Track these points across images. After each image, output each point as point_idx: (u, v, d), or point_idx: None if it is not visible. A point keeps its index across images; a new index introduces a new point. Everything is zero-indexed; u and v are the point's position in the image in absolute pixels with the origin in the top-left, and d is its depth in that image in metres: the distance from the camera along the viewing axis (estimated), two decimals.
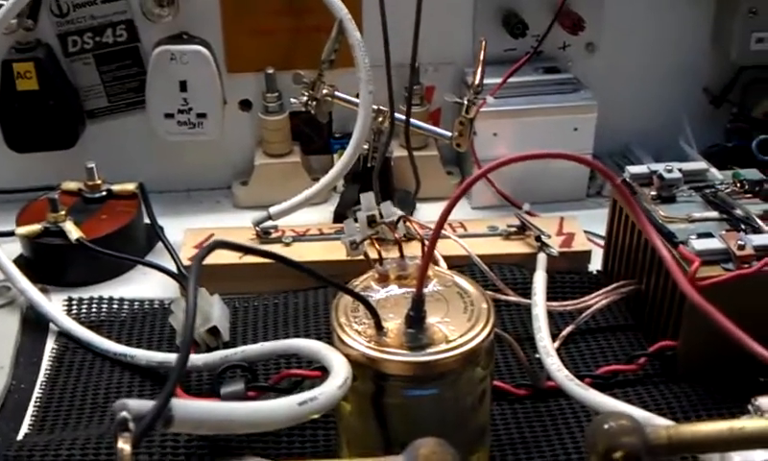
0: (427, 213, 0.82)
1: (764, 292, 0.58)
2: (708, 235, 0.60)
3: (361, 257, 0.59)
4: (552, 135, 0.81)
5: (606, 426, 0.33)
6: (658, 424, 0.45)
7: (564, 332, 0.65)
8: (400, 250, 0.51)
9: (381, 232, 0.59)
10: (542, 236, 0.71)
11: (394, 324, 0.47)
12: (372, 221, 0.53)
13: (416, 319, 0.45)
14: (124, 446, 0.30)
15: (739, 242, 0.58)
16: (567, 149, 0.80)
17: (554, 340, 0.62)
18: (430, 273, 0.50)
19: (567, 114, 0.81)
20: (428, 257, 0.43)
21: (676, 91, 0.88)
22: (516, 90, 0.81)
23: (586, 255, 0.73)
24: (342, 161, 0.73)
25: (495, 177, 0.81)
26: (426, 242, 0.62)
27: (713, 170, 0.69)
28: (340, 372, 0.44)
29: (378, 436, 0.48)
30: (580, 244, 0.73)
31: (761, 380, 0.60)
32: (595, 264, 0.73)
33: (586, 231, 0.75)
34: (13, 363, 0.65)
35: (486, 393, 0.50)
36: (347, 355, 0.46)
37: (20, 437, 0.58)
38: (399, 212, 0.54)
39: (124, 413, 0.32)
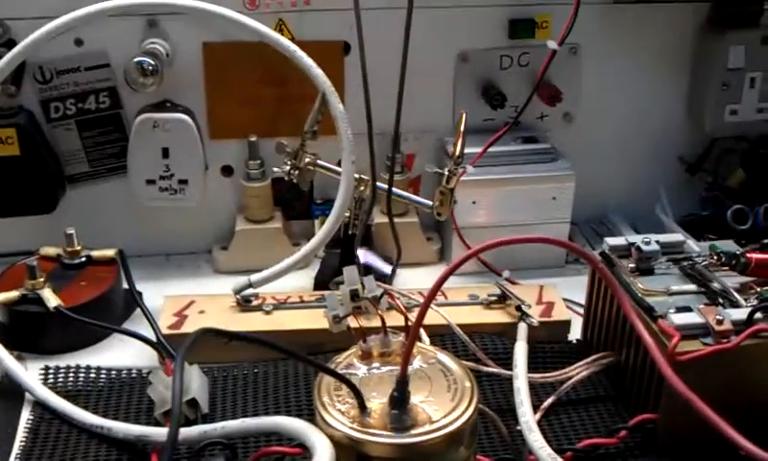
0: (408, 279, 0.83)
1: (742, 366, 0.59)
2: (687, 309, 0.61)
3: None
4: (531, 204, 0.82)
5: None
6: None
7: (546, 403, 0.65)
8: (384, 326, 0.51)
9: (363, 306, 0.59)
10: (522, 306, 0.71)
11: (377, 403, 0.47)
12: (354, 295, 0.54)
13: (400, 400, 0.45)
14: None
15: (718, 316, 0.59)
16: (546, 217, 0.83)
17: (535, 411, 0.62)
18: (414, 350, 0.50)
19: (546, 184, 0.82)
20: (412, 341, 0.43)
21: (652, 160, 0.90)
22: (496, 160, 0.82)
23: (565, 325, 0.73)
24: (324, 230, 0.73)
25: (475, 245, 0.81)
26: (410, 315, 0.62)
27: (690, 242, 0.70)
28: (323, 455, 0.43)
29: None
30: (559, 313, 0.73)
31: (742, 454, 0.60)
32: (575, 332, 0.74)
33: (565, 299, 0.76)
34: None
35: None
36: (330, 436, 0.46)
37: None
38: (382, 288, 0.54)
39: None
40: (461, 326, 0.69)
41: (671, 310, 0.61)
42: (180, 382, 0.38)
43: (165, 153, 0.78)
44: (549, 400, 0.65)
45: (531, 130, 0.86)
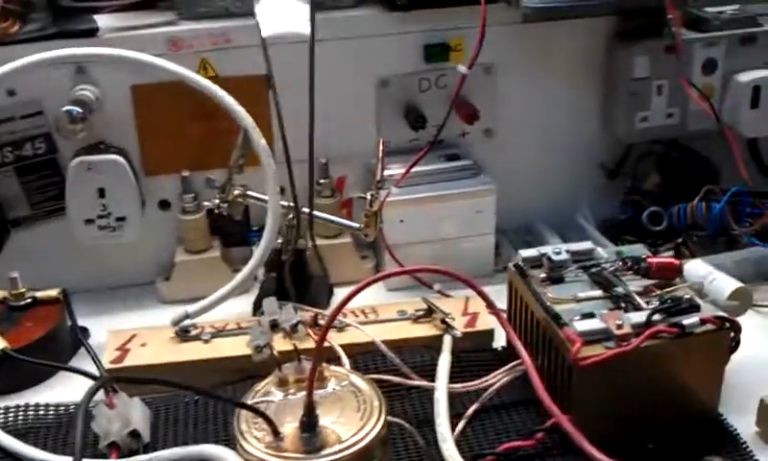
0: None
1: (644, 366, 0.63)
2: (591, 316, 0.65)
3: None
4: (455, 219, 0.86)
5: None
6: None
7: (469, 411, 0.68)
8: (297, 354, 0.54)
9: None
10: (447, 319, 0.75)
11: (290, 428, 0.50)
12: (274, 325, 0.57)
13: (308, 424, 0.49)
14: None
15: (618, 321, 0.63)
16: (471, 230, 0.87)
17: (459, 419, 0.66)
18: (327, 374, 0.54)
19: (469, 198, 0.86)
20: (314, 367, 0.47)
21: (573, 169, 0.95)
22: (421, 179, 0.86)
23: (489, 334, 0.77)
24: (254, 258, 0.77)
25: (407, 260, 0.85)
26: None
27: (599, 249, 0.74)
28: None
29: None
30: (483, 323, 0.77)
31: (649, 447, 0.65)
32: (501, 340, 0.77)
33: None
34: None
35: None
36: None
37: None
38: (298, 317, 0.58)
39: None
40: (389, 342, 0.73)
41: (576, 317, 0.65)
42: (82, 434, 0.41)
43: (101, 193, 0.82)
44: (473, 408, 0.68)
45: (454, 147, 0.90)
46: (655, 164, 0.93)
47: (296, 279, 0.81)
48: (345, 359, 0.62)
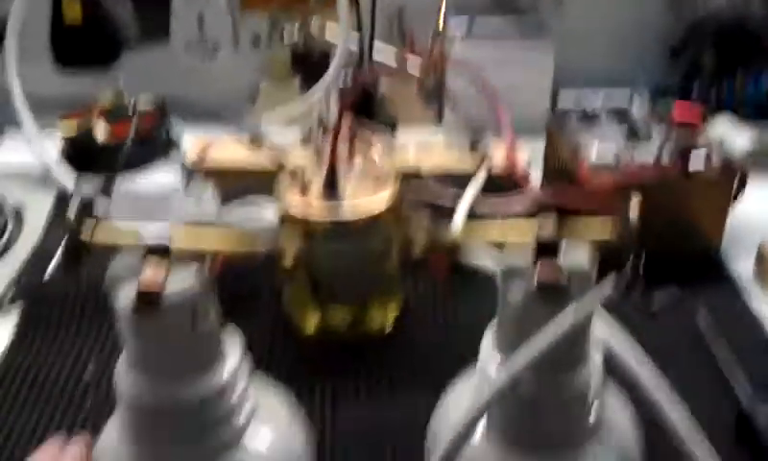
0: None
1: (648, 199, 0.68)
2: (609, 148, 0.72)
3: None
4: (514, 73, 0.92)
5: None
6: None
7: None
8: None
9: None
10: (487, 153, 0.83)
11: (316, 188, 0.60)
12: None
13: (330, 183, 0.59)
14: (70, 215, 0.44)
15: (627, 155, 0.70)
16: (527, 85, 0.93)
17: None
18: (358, 155, 0.64)
19: (529, 53, 0.92)
20: (336, 131, 0.56)
21: (634, 43, 0.99)
22: (484, 31, 0.92)
23: (524, 177, 0.84)
24: (324, 81, 0.86)
25: (465, 106, 0.93)
26: None
27: (636, 103, 0.80)
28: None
29: (307, 274, 0.61)
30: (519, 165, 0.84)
31: None
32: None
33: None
34: (45, 230, 0.81)
35: (391, 249, 0.62)
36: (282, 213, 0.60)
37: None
38: None
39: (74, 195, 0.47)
40: (433, 169, 0.81)
41: (594, 147, 0.72)
42: None
43: (201, 21, 0.93)
44: None
45: (524, 12, 0.96)
46: (714, 44, 0.96)
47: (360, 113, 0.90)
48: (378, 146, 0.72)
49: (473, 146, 0.85)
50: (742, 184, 0.70)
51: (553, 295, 0.43)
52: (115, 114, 0.93)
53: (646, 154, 0.70)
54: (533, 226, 0.45)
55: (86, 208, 0.46)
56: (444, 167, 0.83)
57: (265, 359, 0.63)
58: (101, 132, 0.88)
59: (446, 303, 0.69)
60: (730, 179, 0.70)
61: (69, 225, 0.44)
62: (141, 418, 0.47)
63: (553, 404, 0.47)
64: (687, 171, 0.68)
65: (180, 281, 0.44)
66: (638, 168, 0.69)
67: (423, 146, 0.87)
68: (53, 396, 0.61)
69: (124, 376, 0.47)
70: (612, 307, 0.67)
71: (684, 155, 0.69)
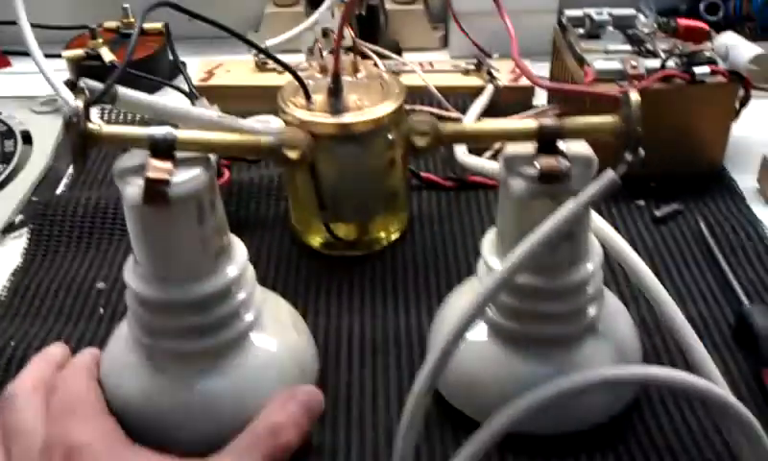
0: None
1: (652, 108, 0.67)
2: (612, 60, 0.71)
3: None
4: None
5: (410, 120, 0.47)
6: None
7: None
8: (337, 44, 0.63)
9: None
10: (492, 70, 0.83)
11: (321, 97, 0.60)
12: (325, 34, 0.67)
13: (335, 90, 0.59)
14: (78, 103, 0.45)
15: (633, 63, 0.70)
16: (534, 6, 0.92)
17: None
18: (361, 67, 0.64)
19: None
20: (338, 41, 0.56)
21: None
22: None
23: (529, 90, 0.85)
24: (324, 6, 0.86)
25: (470, 29, 0.93)
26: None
27: (641, 16, 0.79)
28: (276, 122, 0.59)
29: (313, 189, 0.62)
30: (525, 80, 0.84)
31: (651, 185, 0.72)
32: (542, 100, 0.85)
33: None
34: (54, 152, 0.82)
35: (395, 161, 0.63)
36: (286, 122, 0.60)
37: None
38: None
39: (82, 84, 0.47)
40: (438, 87, 0.81)
41: (598, 59, 0.71)
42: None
43: None
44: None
45: None
46: None
47: (364, 35, 0.90)
48: (380, 63, 0.72)
49: (479, 66, 0.85)
50: (746, 95, 0.70)
51: (554, 184, 0.44)
52: (121, 37, 0.93)
53: (651, 64, 0.69)
54: (536, 122, 0.45)
55: (94, 102, 0.46)
56: (451, 86, 0.84)
57: (271, 275, 0.65)
58: (107, 54, 0.88)
59: (452, 218, 0.70)
60: (734, 89, 0.69)
61: (76, 114, 0.44)
62: (149, 314, 0.48)
63: (551, 300, 0.48)
64: (692, 79, 0.68)
65: (187, 174, 0.45)
66: (643, 76, 0.69)
67: (429, 66, 0.88)
68: (65, 307, 0.62)
69: (132, 272, 0.48)
70: (618, 214, 0.69)
71: (689, 63, 0.69)
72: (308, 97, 0.60)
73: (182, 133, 0.46)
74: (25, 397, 0.48)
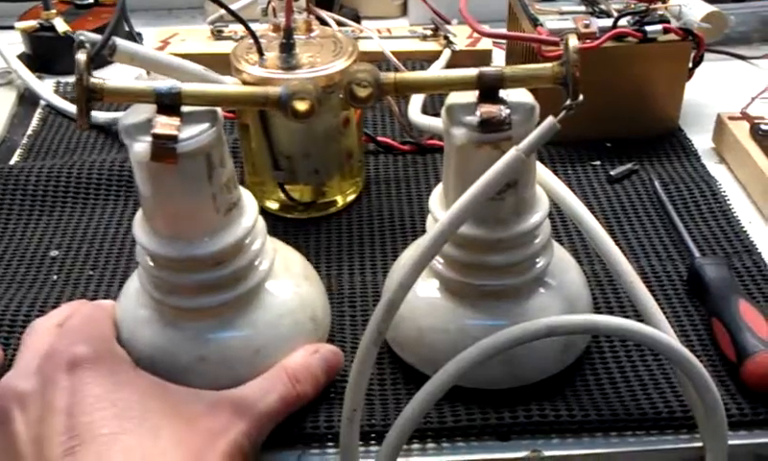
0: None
1: (606, 67, 0.69)
2: (565, 20, 0.71)
3: None
4: None
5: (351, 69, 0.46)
6: None
7: None
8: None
9: None
10: (449, 35, 0.83)
11: (273, 54, 0.60)
12: None
13: (287, 45, 0.58)
14: (81, 57, 0.44)
15: (585, 22, 0.70)
16: None
17: None
18: (315, 27, 0.64)
19: None
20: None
21: None
22: None
23: (487, 54, 0.85)
24: None
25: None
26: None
27: None
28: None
29: (268, 151, 0.62)
30: (482, 45, 0.85)
31: (607, 145, 0.73)
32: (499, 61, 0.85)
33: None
34: (8, 124, 0.81)
35: (350, 121, 0.63)
36: (241, 79, 0.60)
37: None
38: None
39: (82, 37, 0.46)
40: (396, 53, 0.81)
41: (552, 20, 0.72)
42: None
43: None
44: None
45: None
46: None
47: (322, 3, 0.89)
48: (335, 26, 0.72)
49: (436, 31, 0.85)
50: (699, 54, 0.71)
51: (495, 132, 0.44)
52: (75, 7, 0.91)
53: (604, 23, 0.69)
54: (477, 70, 0.45)
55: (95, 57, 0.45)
56: (408, 51, 0.84)
57: None
58: (61, 25, 0.87)
59: (408, 180, 0.70)
60: (686, 47, 0.70)
61: (79, 69, 0.43)
62: (165, 272, 0.48)
63: (499, 251, 0.48)
64: (645, 37, 0.68)
65: (195, 129, 0.44)
66: (596, 35, 0.69)
67: (387, 32, 0.87)
68: (18, 274, 0.62)
69: (142, 230, 0.48)
70: (574, 174, 0.69)
71: (641, 22, 0.69)
72: (261, 53, 0.59)
73: (187, 87, 0.45)
74: (44, 322, 0.51)
